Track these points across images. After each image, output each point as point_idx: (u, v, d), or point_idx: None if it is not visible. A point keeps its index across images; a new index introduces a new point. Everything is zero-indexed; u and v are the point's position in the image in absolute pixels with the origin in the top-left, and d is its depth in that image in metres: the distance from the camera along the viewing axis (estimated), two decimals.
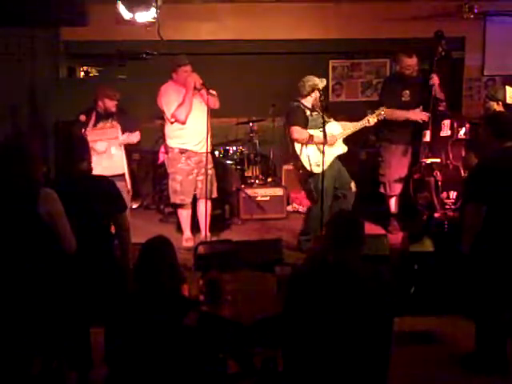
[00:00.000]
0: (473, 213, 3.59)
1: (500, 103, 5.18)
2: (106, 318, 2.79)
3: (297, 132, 5.21)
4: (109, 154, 5.16)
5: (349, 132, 5.37)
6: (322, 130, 5.03)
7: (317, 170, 5.14)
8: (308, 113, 5.29)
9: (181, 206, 5.48)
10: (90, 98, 5.71)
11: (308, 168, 5.21)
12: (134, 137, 5.47)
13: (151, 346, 2.56)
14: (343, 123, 5.43)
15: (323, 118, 5.01)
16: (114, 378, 2.68)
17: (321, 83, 5.27)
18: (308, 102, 5.31)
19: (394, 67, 6.22)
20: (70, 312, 3.27)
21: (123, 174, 5.32)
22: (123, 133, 5.36)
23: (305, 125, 5.23)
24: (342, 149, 5.36)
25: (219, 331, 3.28)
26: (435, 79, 5.41)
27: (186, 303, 2.94)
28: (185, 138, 5.32)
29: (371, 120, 5.32)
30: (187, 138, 5.31)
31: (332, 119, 5.41)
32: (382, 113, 5.33)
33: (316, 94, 5.26)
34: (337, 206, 5.20)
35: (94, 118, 5.33)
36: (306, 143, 5.20)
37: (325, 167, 5.03)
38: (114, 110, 5.36)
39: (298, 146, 5.24)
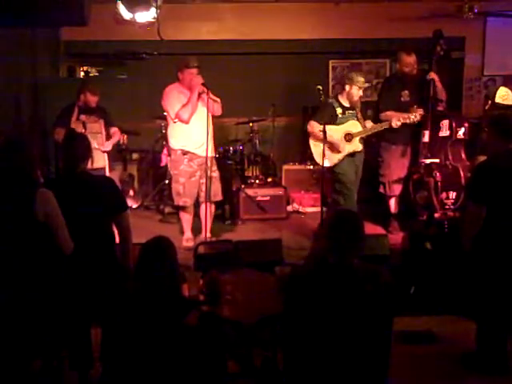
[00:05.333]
0: (473, 213, 3.60)
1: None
2: (105, 317, 2.80)
3: (310, 125, 5.34)
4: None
5: (367, 132, 5.38)
6: (341, 127, 5.29)
7: (325, 163, 5.24)
8: (339, 110, 5.33)
9: (183, 208, 5.46)
10: None
11: (317, 160, 5.34)
12: (115, 138, 5.79)
13: (151, 346, 2.56)
14: (369, 123, 5.44)
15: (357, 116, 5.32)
16: (110, 378, 2.68)
17: (361, 82, 5.26)
18: (344, 98, 5.35)
19: (395, 67, 6.22)
20: (69, 311, 3.27)
21: (103, 167, 5.52)
22: (106, 128, 5.63)
23: (330, 121, 5.26)
24: (355, 147, 5.35)
25: (219, 331, 3.28)
26: (433, 74, 5.40)
27: (186, 303, 2.94)
28: (187, 140, 5.30)
29: (395, 123, 5.25)
30: (189, 140, 5.29)
31: (369, 121, 5.44)
32: (412, 117, 5.25)
33: (354, 92, 5.26)
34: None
35: (76, 112, 5.55)
36: (318, 138, 5.25)
37: (335, 161, 5.30)
38: (94, 105, 5.60)
39: (311, 141, 5.40)
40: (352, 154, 5.38)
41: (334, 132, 5.28)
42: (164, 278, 2.68)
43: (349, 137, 5.33)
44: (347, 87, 5.31)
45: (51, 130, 5.71)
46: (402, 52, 5.61)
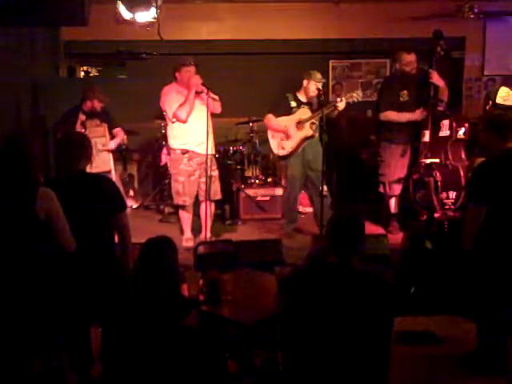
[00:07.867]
0: (473, 213, 3.60)
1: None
2: (105, 317, 2.79)
3: (266, 118, 5.69)
4: (96, 152, 5.23)
5: (316, 116, 5.48)
6: (293, 116, 5.54)
7: (281, 152, 5.62)
8: (293, 104, 5.56)
9: (183, 207, 5.47)
10: None
11: (274, 151, 5.71)
12: (119, 138, 5.92)
13: (151, 346, 2.56)
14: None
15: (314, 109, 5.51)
16: (110, 378, 2.68)
17: (318, 78, 5.47)
18: (302, 95, 5.58)
19: (394, 66, 6.21)
20: (69, 311, 3.27)
21: (109, 171, 5.58)
22: (109, 131, 5.72)
23: (284, 114, 5.57)
24: (305, 132, 5.50)
25: (219, 331, 3.28)
26: (434, 75, 5.37)
27: (186, 303, 2.94)
28: (186, 139, 5.30)
29: (340, 105, 5.41)
30: (188, 139, 5.30)
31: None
32: (355, 94, 5.40)
33: (311, 87, 5.46)
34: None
35: (80, 117, 5.65)
36: (274, 129, 5.65)
37: (289, 149, 5.54)
38: (99, 110, 5.71)
39: (269, 133, 5.74)
40: (303, 153, 5.55)
41: (287, 122, 5.56)
42: (164, 277, 2.68)
43: (300, 124, 5.52)
44: (305, 82, 5.52)
45: (53, 130, 5.71)
46: (402, 51, 5.59)
